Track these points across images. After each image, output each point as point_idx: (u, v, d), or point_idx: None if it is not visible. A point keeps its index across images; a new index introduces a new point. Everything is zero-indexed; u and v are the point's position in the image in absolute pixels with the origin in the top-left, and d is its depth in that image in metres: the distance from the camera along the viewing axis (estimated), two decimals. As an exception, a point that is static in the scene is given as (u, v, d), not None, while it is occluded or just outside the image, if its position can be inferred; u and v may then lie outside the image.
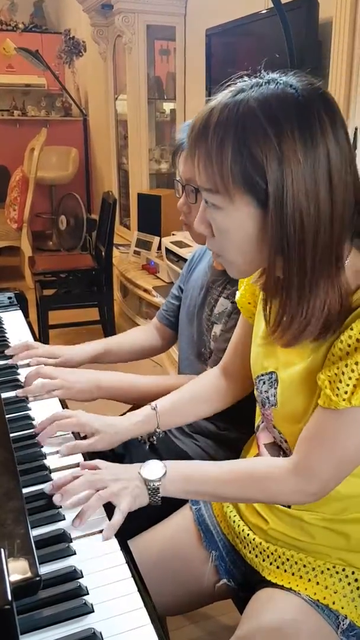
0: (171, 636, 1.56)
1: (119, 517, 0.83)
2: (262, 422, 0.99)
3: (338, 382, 0.77)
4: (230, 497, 0.92)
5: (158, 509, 1.11)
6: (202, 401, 1.13)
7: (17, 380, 1.21)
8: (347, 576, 0.90)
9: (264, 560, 0.95)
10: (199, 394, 1.13)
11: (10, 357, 1.30)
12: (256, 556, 0.96)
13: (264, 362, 0.94)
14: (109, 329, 3.56)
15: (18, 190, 4.75)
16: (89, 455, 0.99)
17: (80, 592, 0.71)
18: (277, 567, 0.93)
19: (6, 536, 0.62)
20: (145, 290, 3.44)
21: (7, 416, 1.05)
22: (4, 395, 1.13)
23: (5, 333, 1.47)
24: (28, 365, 1.26)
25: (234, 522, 1.01)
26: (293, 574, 0.92)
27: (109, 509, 0.84)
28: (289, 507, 0.92)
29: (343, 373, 0.76)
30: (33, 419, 1.06)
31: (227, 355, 1.13)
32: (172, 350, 1.49)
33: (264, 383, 0.93)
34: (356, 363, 0.75)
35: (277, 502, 0.92)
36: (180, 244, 3.11)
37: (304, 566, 0.91)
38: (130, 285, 3.69)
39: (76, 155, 5.80)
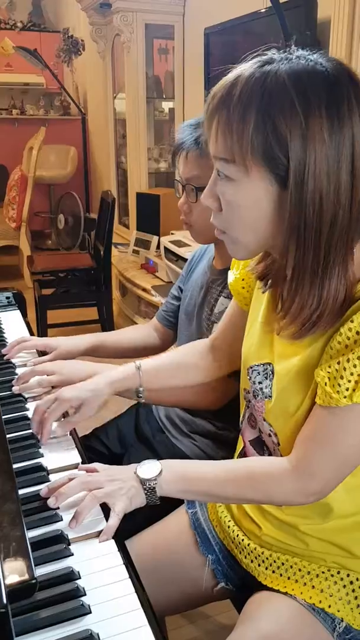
0: (170, 636, 1.56)
1: (114, 521, 0.81)
2: (246, 416, 0.97)
3: (339, 379, 0.75)
4: (228, 497, 0.90)
5: (155, 508, 1.11)
6: (189, 368, 1.12)
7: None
8: (342, 579, 0.89)
9: (259, 565, 0.95)
10: (184, 361, 1.12)
11: (7, 358, 1.30)
12: (251, 561, 0.96)
13: (259, 352, 0.92)
14: (108, 328, 3.56)
15: (17, 190, 4.74)
16: (88, 459, 0.99)
17: (78, 593, 0.71)
18: (273, 572, 0.93)
19: (2, 539, 0.62)
20: (144, 290, 3.44)
21: (4, 417, 1.05)
22: (1, 394, 1.13)
23: (4, 333, 1.47)
24: (25, 365, 1.25)
25: (228, 527, 1.01)
26: (289, 578, 0.91)
27: (107, 510, 0.83)
28: (282, 512, 0.91)
29: (345, 369, 0.74)
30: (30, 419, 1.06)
31: (219, 330, 1.12)
32: (171, 349, 1.49)
33: (258, 374, 0.92)
34: (358, 358, 0.73)
35: (276, 503, 0.89)
36: (179, 243, 3.11)
37: (299, 570, 0.91)
38: (129, 284, 3.69)
39: (75, 154, 5.80)
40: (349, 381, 0.74)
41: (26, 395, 1.14)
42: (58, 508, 0.84)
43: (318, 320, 0.76)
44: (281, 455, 0.89)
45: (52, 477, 0.92)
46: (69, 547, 0.78)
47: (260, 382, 0.91)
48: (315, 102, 0.70)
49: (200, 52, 3.24)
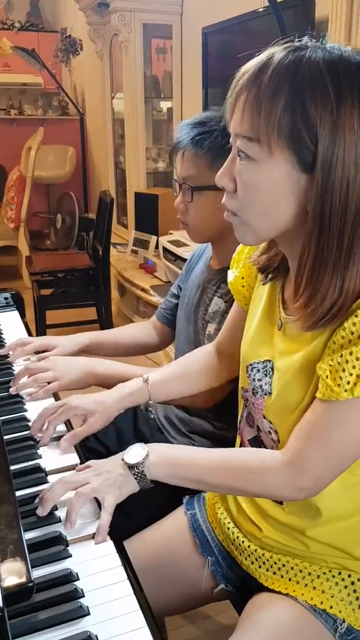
0: (169, 636, 1.56)
1: (105, 517, 0.81)
2: (244, 415, 0.97)
3: (341, 371, 0.74)
4: (218, 485, 0.88)
5: (153, 508, 1.11)
6: (195, 375, 1.12)
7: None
8: (343, 579, 0.89)
9: (260, 567, 0.94)
10: (190, 369, 1.12)
11: (6, 357, 1.29)
12: (252, 563, 0.96)
13: (258, 349, 0.91)
14: (107, 328, 3.54)
15: (15, 190, 4.74)
16: (87, 459, 0.98)
17: (76, 594, 0.71)
18: (274, 573, 0.92)
19: (-1, 541, 0.62)
20: (143, 290, 3.44)
21: (2, 418, 1.05)
22: (-1, 395, 1.13)
23: (2, 334, 1.47)
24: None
25: (228, 528, 1.00)
26: (290, 580, 0.91)
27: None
28: (283, 513, 0.90)
29: (347, 362, 0.73)
30: (29, 420, 1.06)
31: (221, 334, 1.12)
32: (170, 348, 1.49)
33: (258, 371, 0.91)
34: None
35: (266, 496, 0.88)
36: (177, 243, 3.10)
37: (300, 571, 0.90)
38: (127, 284, 3.69)
39: (73, 154, 5.79)
40: (351, 374, 0.73)
41: (24, 396, 1.14)
42: (57, 509, 0.83)
43: (338, 312, 0.75)
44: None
45: (50, 478, 0.92)
46: (68, 548, 0.77)
47: (260, 380, 0.90)
48: (349, 90, 0.70)
49: (199, 51, 3.24)
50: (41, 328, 3.39)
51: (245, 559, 0.97)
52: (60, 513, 0.84)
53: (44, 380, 1.14)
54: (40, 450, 0.99)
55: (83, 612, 0.69)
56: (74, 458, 0.97)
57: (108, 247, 3.52)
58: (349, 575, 0.89)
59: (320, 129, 0.70)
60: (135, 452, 0.87)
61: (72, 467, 0.94)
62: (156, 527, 1.08)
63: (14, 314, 1.60)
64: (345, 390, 0.73)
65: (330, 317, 0.75)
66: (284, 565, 0.92)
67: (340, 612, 0.87)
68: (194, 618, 1.67)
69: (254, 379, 0.92)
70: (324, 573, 0.89)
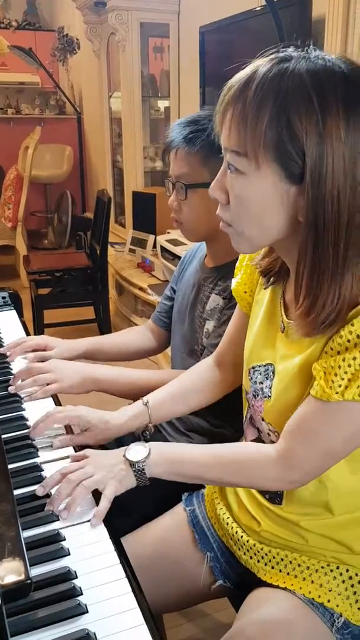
0: (168, 634, 1.57)
1: (104, 504, 0.84)
2: (248, 417, 0.98)
3: (333, 375, 0.76)
4: (214, 480, 0.93)
5: (152, 505, 1.12)
6: (193, 393, 1.12)
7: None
8: (341, 574, 0.90)
9: (258, 562, 0.95)
10: (190, 387, 1.12)
11: (5, 357, 1.30)
12: (250, 557, 0.96)
13: (261, 352, 0.93)
14: (105, 328, 3.56)
15: (12, 189, 4.74)
16: (80, 446, 0.99)
17: (75, 592, 0.71)
18: (272, 568, 0.93)
19: (-3, 538, 0.62)
20: (141, 289, 3.44)
21: (0, 417, 1.05)
22: (-2, 394, 1.13)
23: (0, 333, 1.47)
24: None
25: (227, 524, 1.01)
26: (288, 574, 0.91)
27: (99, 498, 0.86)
28: (282, 509, 0.91)
29: (339, 367, 0.75)
30: (27, 420, 1.06)
31: (222, 345, 1.12)
32: (168, 350, 1.49)
33: (259, 374, 0.92)
34: (354, 358, 0.74)
35: (258, 487, 0.93)
36: (175, 242, 3.11)
37: (299, 565, 0.91)
38: (125, 283, 3.69)
39: (70, 154, 5.79)
40: (342, 379, 0.75)
41: (22, 395, 1.14)
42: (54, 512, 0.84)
43: (336, 318, 0.76)
44: None
45: (45, 468, 0.93)
46: (66, 547, 0.78)
47: (261, 382, 0.92)
48: (333, 101, 0.70)
49: (196, 50, 3.24)
50: (39, 327, 3.39)
51: (244, 553, 0.97)
52: (57, 511, 0.84)
53: (44, 381, 1.14)
54: (36, 442, 0.99)
55: (81, 610, 0.69)
56: (68, 448, 0.99)
57: (106, 246, 3.52)
58: (347, 570, 0.90)
59: (307, 141, 0.71)
60: (137, 450, 0.89)
61: (66, 457, 0.96)
62: (155, 524, 1.08)
63: (12, 313, 1.60)
64: (337, 393, 0.75)
65: (328, 323, 0.77)
66: (282, 560, 0.92)
67: (337, 606, 0.88)
68: (192, 616, 1.68)
69: (255, 382, 0.93)
70: (322, 567, 0.90)
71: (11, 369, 1.25)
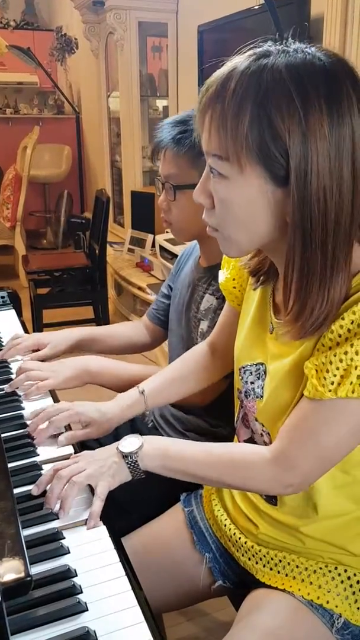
0: (167, 633, 1.57)
1: (97, 504, 0.83)
2: (240, 416, 0.97)
3: (325, 372, 0.74)
4: (209, 479, 0.90)
5: (151, 505, 1.11)
6: (188, 379, 1.12)
7: (11, 380, 1.20)
8: (339, 574, 0.89)
9: (256, 563, 0.95)
10: (185, 373, 1.12)
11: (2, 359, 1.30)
12: (249, 559, 0.96)
13: (251, 352, 0.92)
14: (104, 327, 3.56)
15: (11, 189, 4.73)
16: (79, 446, 0.99)
17: (74, 590, 0.71)
18: (270, 569, 0.93)
19: (-3, 536, 0.62)
20: (140, 288, 3.44)
21: (-1, 416, 1.05)
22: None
23: (-1, 333, 1.47)
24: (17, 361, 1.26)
25: (224, 525, 1.01)
26: (286, 575, 0.91)
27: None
28: (278, 511, 0.90)
29: (331, 362, 0.73)
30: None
31: (215, 332, 1.12)
32: (166, 345, 1.50)
33: (250, 374, 0.91)
34: (345, 353, 0.72)
35: (253, 490, 0.90)
36: (174, 242, 3.10)
37: (297, 567, 0.91)
38: (124, 283, 3.69)
39: (69, 153, 5.79)
40: (335, 375, 0.73)
41: (21, 394, 1.14)
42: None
43: (325, 320, 0.75)
44: None
45: (45, 467, 0.92)
46: (66, 545, 0.78)
47: (252, 382, 0.91)
48: (315, 96, 0.67)
49: (194, 49, 3.24)
50: (38, 327, 3.39)
51: (242, 555, 0.97)
52: (56, 509, 0.84)
53: (37, 377, 1.14)
54: (38, 448, 0.99)
55: (81, 608, 0.69)
56: (69, 451, 0.98)
57: (104, 245, 3.52)
58: (345, 571, 0.89)
59: (290, 142, 0.68)
60: (130, 442, 0.88)
61: (66, 457, 0.95)
62: (154, 524, 1.08)
63: (11, 313, 1.60)
64: (330, 391, 0.73)
65: (317, 325, 0.75)
66: (280, 561, 0.92)
67: (336, 607, 0.87)
68: (192, 615, 1.68)
69: (246, 382, 0.92)
70: (320, 568, 0.90)
71: (10, 369, 1.25)
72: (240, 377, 0.94)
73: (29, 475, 0.91)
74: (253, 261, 0.91)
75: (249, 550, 0.96)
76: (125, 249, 3.97)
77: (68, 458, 0.93)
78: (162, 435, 1.32)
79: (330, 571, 0.89)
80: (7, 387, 1.14)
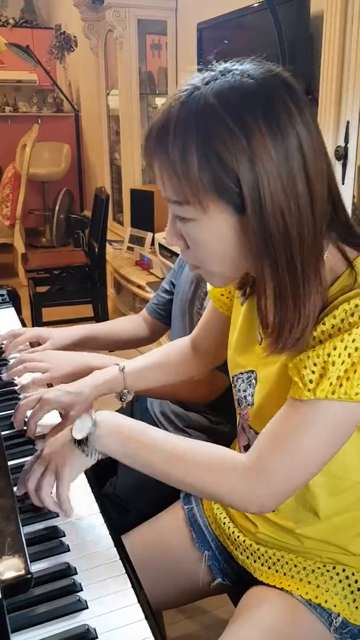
0: (167, 630, 1.57)
1: (61, 491, 0.80)
2: (240, 423, 0.96)
3: (302, 369, 0.72)
4: (174, 478, 0.80)
5: (151, 503, 1.11)
6: (169, 368, 1.12)
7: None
8: (337, 574, 0.89)
9: (255, 562, 0.95)
10: (166, 361, 1.12)
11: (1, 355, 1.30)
12: (247, 557, 0.96)
13: (242, 359, 0.91)
14: (103, 325, 3.55)
15: (10, 187, 4.73)
16: (94, 477, 0.98)
17: (75, 588, 0.71)
18: (269, 568, 0.93)
19: (-3, 534, 0.62)
20: (139, 286, 3.44)
21: (-1, 413, 1.05)
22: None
23: (-2, 330, 1.46)
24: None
25: (224, 523, 1.01)
26: (285, 574, 0.91)
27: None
28: (276, 515, 0.89)
29: (308, 357, 0.72)
30: (25, 417, 1.06)
31: (197, 329, 1.12)
32: (163, 341, 1.50)
33: (242, 382, 0.91)
34: (323, 348, 0.71)
35: (220, 496, 0.79)
36: (173, 240, 3.10)
37: (295, 566, 0.91)
38: (123, 281, 3.68)
39: (68, 151, 5.78)
40: (313, 372, 0.71)
41: (19, 392, 1.14)
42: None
43: (303, 333, 0.74)
44: None
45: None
46: (65, 543, 0.78)
47: (244, 390, 0.91)
48: (252, 119, 0.67)
49: (194, 47, 3.23)
50: (37, 325, 3.38)
51: (241, 553, 0.97)
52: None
53: (35, 369, 1.13)
54: (37, 446, 0.99)
55: (81, 606, 0.69)
56: None
57: (104, 244, 3.52)
58: (344, 570, 0.89)
59: (239, 169, 0.67)
60: (81, 424, 0.81)
61: None
62: (153, 522, 1.08)
63: (10, 311, 1.60)
64: (309, 390, 0.72)
65: (296, 340, 0.74)
66: (278, 560, 0.92)
67: (335, 606, 0.87)
68: (191, 613, 1.68)
69: (239, 390, 0.92)
70: (319, 568, 0.90)
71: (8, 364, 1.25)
72: (234, 386, 0.94)
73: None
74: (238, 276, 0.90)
75: (247, 548, 0.96)
76: (124, 247, 3.97)
77: (78, 488, 0.89)
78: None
79: (328, 571, 0.89)
80: (4, 376, 1.14)
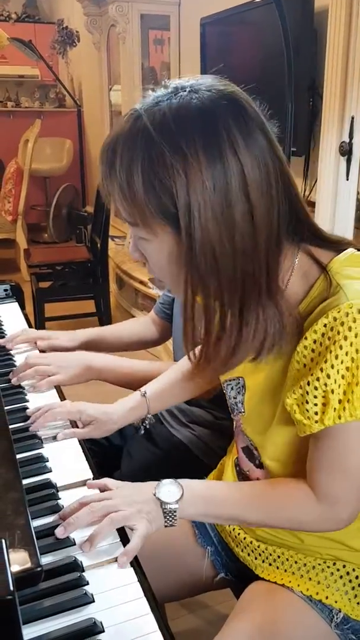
0: (170, 625, 1.57)
1: (137, 541, 0.76)
2: (236, 426, 0.97)
3: (305, 404, 0.74)
4: (254, 522, 0.87)
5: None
6: (187, 383, 1.12)
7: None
8: (338, 570, 0.89)
9: (256, 559, 0.95)
10: (182, 377, 1.12)
11: (7, 350, 1.30)
12: (248, 554, 0.96)
13: None
14: (105, 321, 3.56)
15: (13, 182, 4.72)
16: (88, 450, 0.99)
17: (81, 582, 0.71)
18: (269, 565, 0.93)
19: (7, 527, 0.62)
20: (141, 282, 3.44)
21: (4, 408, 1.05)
22: (1, 386, 1.13)
23: (2, 325, 1.47)
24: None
25: None
26: (285, 571, 0.91)
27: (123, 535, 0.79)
28: None
29: (307, 392, 0.73)
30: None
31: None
32: (169, 342, 1.50)
33: (232, 389, 0.92)
34: (317, 379, 0.72)
35: (306, 531, 0.86)
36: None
37: (295, 562, 0.91)
38: (126, 277, 3.68)
39: (70, 147, 5.77)
40: (315, 404, 0.73)
41: (25, 387, 1.15)
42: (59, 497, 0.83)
43: (280, 338, 0.75)
44: (266, 466, 0.89)
45: (62, 496, 0.87)
46: (72, 537, 0.78)
47: (234, 397, 0.91)
48: (189, 147, 0.67)
49: (197, 42, 3.23)
50: (40, 321, 3.39)
51: (242, 550, 0.97)
52: (63, 502, 0.84)
53: (44, 372, 1.15)
54: (41, 432, 1.00)
55: (88, 600, 0.69)
56: (86, 472, 0.93)
57: (106, 239, 3.52)
58: (344, 566, 0.89)
59: (177, 195, 0.68)
60: (169, 490, 0.82)
61: (83, 483, 0.90)
62: None
63: (14, 306, 1.60)
64: (316, 422, 0.74)
65: (270, 346, 0.75)
66: (279, 557, 0.92)
67: (336, 602, 0.88)
68: (194, 607, 1.68)
69: (230, 397, 0.93)
70: (319, 564, 0.90)
71: (15, 361, 1.25)
72: (225, 393, 0.95)
73: (36, 467, 0.91)
74: None
75: (248, 545, 0.96)
76: (126, 243, 3.96)
77: (85, 483, 0.88)
78: (166, 428, 1.32)
79: (329, 567, 0.90)
80: (14, 380, 1.14)
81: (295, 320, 0.75)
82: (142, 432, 1.10)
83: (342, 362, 0.71)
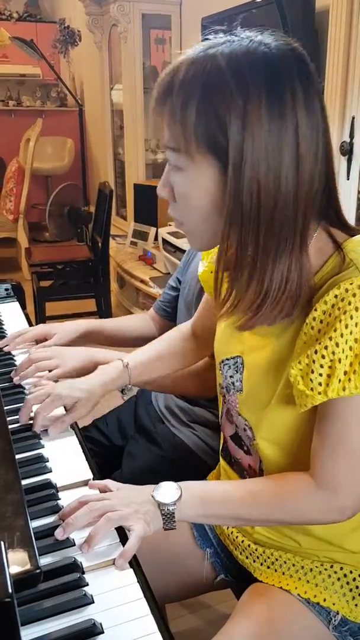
0: (170, 625, 1.57)
1: (134, 541, 0.76)
2: (224, 412, 0.96)
3: (310, 374, 0.73)
4: (256, 520, 0.85)
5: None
6: (170, 356, 1.13)
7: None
8: (335, 572, 0.89)
9: (254, 561, 0.95)
10: (168, 350, 1.13)
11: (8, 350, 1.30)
12: (246, 557, 0.96)
13: (228, 346, 0.91)
14: (107, 320, 3.56)
15: (14, 181, 4.72)
16: (88, 450, 0.98)
17: (81, 583, 0.71)
18: (268, 567, 0.93)
19: (6, 528, 0.62)
20: (142, 281, 3.44)
21: (4, 408, 1.05)
22: (1, 386, 1.13)
23: (3, 325, 1.46)
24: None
25: None
26: (283, 574, 0.91)
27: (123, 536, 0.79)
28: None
29: (314, 361, 0.72)
30: (31, 411, 1.06)
31: (196, 317, 1.13)
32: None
33: (229, 368, 0.91)
34: (325, 347, 0.71)
35: (311, 523, 0.84)
36: (176, 235, 3.10)
37: (293, 565, 0.91)
38: (127, 276, 3.68)
39: (72, 146, 5.77)
40: (320, 374, 0.72)
41: (26, 386, 1.14)
42: (59, 497, 0.83)
43: (257, 312, 0.75)
44: (255, 451, 0.88)
45: (62, 495, 0.87)
46: (71, 538, 0.78)
47: (231, 376, 0.90)
48: (255, 88, 0.68)
49: (198, 41, 3.21)
50: (41, 320, 3.39)
51: (240, 553, 0.98)
52: (63, 502, 0.84)
53: (46, 367, 1.14)
54: (43, 440, 0.99)
55: (87, 601, 0.69)
56: (86, 473, 0.92)
57: (107, 238, 3.52)
58: (341, 568, 0.89)
59: (230, 127, 0.68)
60: (167, 491, 0.81)
61: (83, 483, 0.89)
62: None
63: (15, 305, 1.59)
64: (319, 393, 0.73)
65: (250, 314, 0.75)
66: (277, 560, 0.92)
67: (334, 604, 0.87)
68: (194, 607, 1.68)
69: (226, 376, 0.92)
70: (317, 567, 0.90)
71: (14, 361, 1.25)
72: (220, 372, 0.94)
73: (36, 467, 0.91)
74: None
75: (246, 548, 0.96)
76: (127, 242, 3.96)
77: (85, 483, 0.88)
78: (167, 427, 1.32)
79: (326, 569, 0.89)
80: (16, 379, 1.14)
81: (309, 290, 0.75)
82: (125, 398, 1.10)
83: (351, 333, 0.70)
